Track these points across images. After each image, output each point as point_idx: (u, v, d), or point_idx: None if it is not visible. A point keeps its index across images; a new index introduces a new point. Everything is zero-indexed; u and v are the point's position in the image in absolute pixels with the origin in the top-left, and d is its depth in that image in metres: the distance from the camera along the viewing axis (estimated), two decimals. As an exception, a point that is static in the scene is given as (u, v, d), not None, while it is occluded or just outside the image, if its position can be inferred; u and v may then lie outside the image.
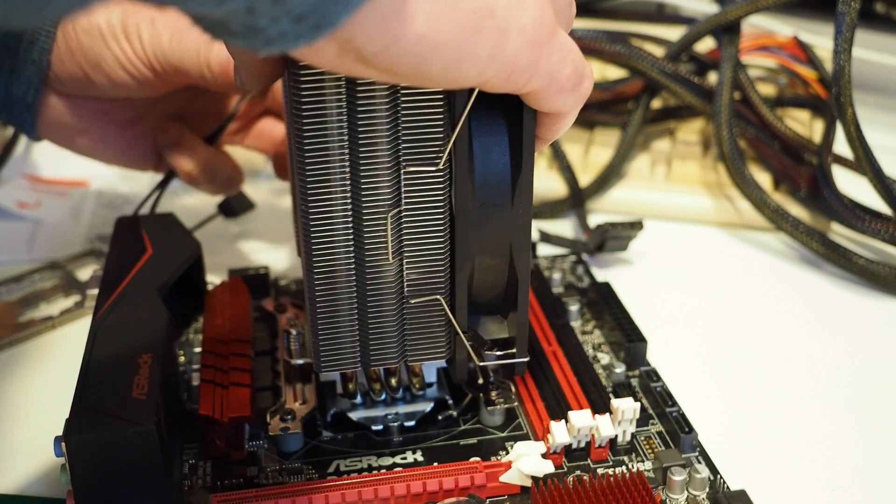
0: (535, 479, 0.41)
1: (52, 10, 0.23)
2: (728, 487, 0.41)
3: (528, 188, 0.39)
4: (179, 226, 0.52)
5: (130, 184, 0.69)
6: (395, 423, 0.45)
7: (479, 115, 0.38)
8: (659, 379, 0.47)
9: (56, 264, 0.59)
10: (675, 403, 0.45)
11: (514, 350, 0.42)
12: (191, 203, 0.65)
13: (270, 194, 0.67)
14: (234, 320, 0.48)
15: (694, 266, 0.61)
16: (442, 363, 0.45)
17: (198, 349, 0.48)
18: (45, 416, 0.48)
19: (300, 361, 0.46)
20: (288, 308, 0.52)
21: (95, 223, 0.64)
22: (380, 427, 0.45)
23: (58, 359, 0.52)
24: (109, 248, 0.50)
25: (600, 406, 0.44)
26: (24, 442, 0.46)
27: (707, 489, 0.41)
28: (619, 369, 0.48)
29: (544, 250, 0.61)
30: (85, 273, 0.58)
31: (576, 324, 0.53)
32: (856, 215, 0.59)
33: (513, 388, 0.46)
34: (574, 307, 0.53)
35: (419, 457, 0.43)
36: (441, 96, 0.37)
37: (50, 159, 0.71)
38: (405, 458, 0.43)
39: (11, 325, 0.54)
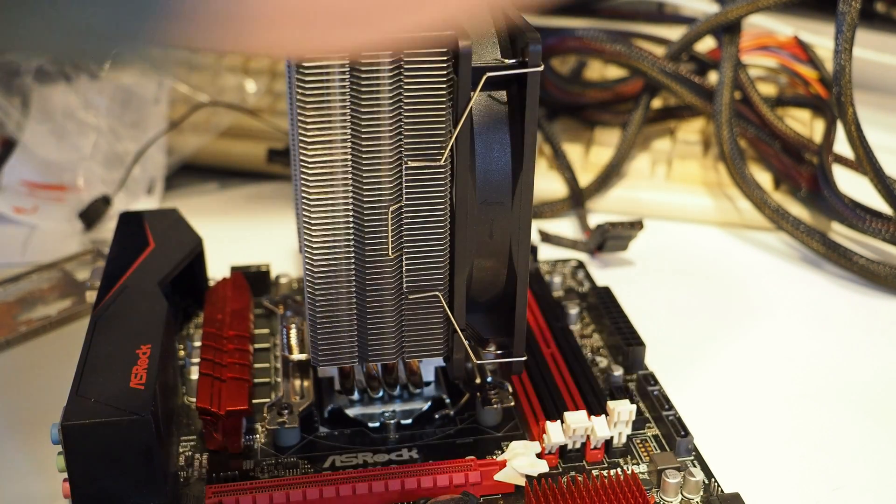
0: (529, 478, 0.40)
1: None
2: (722, 490, 0.41)
3: (529, 186, 0.39)
4: (182, 221, 0.53)
5: (131, 184, 0.68)
6: (392, 421, 0.45)
7: (481, 111, 0.38)
8: (656, 383, 0.47)
9: (54, 264, 0.59)
10: (671, 407, 0.45)
11: (511, 349, 0.41)
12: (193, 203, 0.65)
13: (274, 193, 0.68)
14: (234, 315, 0.48)
15: (694, 266, 0.61)
16: (439, 362, 0.45)
17: (197, 343, 0.48)
18: (43, 416, 0.47)
19: (298, 357, 0.46)
20: (288, 304, 0.52)
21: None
22: (377, 424, 0.45)
23: (56, 359, 0.51)
24: (112, 243, 0.50)
25: (596, 407, 0.44)
26: (23, 442, 0.46)
27: (701, 493, 0.41)
28: (617, 373, 0.48)
29: (545, 254, 0.60)
30: (82, 273, 0.58)
31: (575, 327, 0.52)
32: (856, 215, 0.59)
33: (510, 389, 0.46)
34: (573, 311, 0.53)
35: (415, 454, 0.43)
36: (444, 92, 0.37)
37: (47, 164, 0.70)
38: (401, 456, 0.43)
39: (9, 325, 0.54)
